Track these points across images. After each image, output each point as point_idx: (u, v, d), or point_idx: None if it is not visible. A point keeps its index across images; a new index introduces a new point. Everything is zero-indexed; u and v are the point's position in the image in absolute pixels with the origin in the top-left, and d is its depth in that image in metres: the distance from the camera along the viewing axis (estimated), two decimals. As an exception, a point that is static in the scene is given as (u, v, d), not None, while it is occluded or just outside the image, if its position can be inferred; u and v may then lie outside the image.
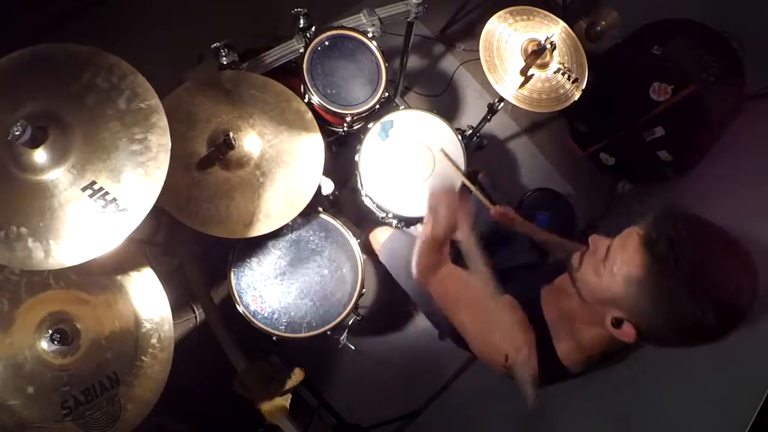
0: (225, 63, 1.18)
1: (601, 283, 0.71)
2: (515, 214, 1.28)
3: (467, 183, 1.34)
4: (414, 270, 0.97)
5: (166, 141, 0.81)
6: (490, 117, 1.54)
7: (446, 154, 1.38)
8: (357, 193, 1.45)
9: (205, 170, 1.06)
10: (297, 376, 1.23)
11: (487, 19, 1.27)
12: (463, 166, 1.39)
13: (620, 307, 0.69)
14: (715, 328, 0.62)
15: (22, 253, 0.75)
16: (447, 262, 0.96)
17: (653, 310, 0.65)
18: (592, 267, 0.73)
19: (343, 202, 1.75)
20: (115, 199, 0.77)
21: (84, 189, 0.77)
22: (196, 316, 1.66)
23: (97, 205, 0.77)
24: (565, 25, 1.32)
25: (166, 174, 0.80)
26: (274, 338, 1.22)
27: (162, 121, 0.81)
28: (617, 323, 0.70)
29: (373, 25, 1.34)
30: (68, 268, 0.76)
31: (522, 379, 0.78)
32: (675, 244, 0.62)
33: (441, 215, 0.92)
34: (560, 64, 1.28)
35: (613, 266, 0.69)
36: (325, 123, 1.39)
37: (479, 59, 1.24)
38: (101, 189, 0.77)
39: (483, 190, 1.37)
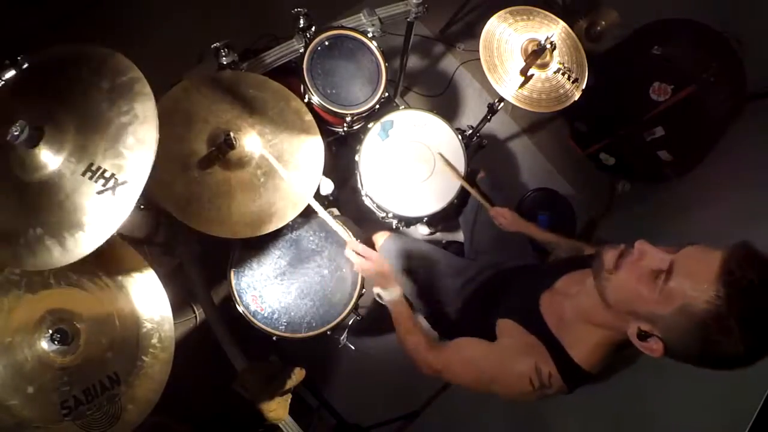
0: (225, 63, 1.18)
1: (648, 298, 0.65)
2: (514, 215, 1.28)
3: (465, 186, 1.34)
4: (420, 366, 0.95)
5: (152, 105, 0.80)
6: (490, 117, 1.54)
7: (444, 158, 1.38)
8: (357, 193, 1.45)
9: (206, 170, 1.06)
10: (297, 376, 1.23)
11: (487, 19, 1.27)
12: (462, 168, 1.39)
13: (656, 326, 0.65)
14: (745, 359, 0.61)
15: (42, 254, 0.76)
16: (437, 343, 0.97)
17: (698, 341, 0.62)
18: (636, 275, 0.67)
19: (343, 202, 1.75)
20: (113, 175, 0.78)
21: (84, 173, 0.78)
22: (196, 316, 1.66)
23: (98, 185, 0.77)
24: (565, 25, 1.32)
25: (157, 138, 0.79)
26: (274, 338, 1.22)
27: (145, 88, 0.81)
28: (643, 336, 0.67)
29: (373, 25, 1.34)
30: (69, 267, 0.76)
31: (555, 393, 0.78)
32: (751, 288, 0.59)
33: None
34: (560, 64, 1.28)
35: (675, 290, 0.63)
36: (325, 123, 1.39)
37: (479, 59, 1.24)
38: (99, 168, 0.78)
39: (481, 192, 1.37)
